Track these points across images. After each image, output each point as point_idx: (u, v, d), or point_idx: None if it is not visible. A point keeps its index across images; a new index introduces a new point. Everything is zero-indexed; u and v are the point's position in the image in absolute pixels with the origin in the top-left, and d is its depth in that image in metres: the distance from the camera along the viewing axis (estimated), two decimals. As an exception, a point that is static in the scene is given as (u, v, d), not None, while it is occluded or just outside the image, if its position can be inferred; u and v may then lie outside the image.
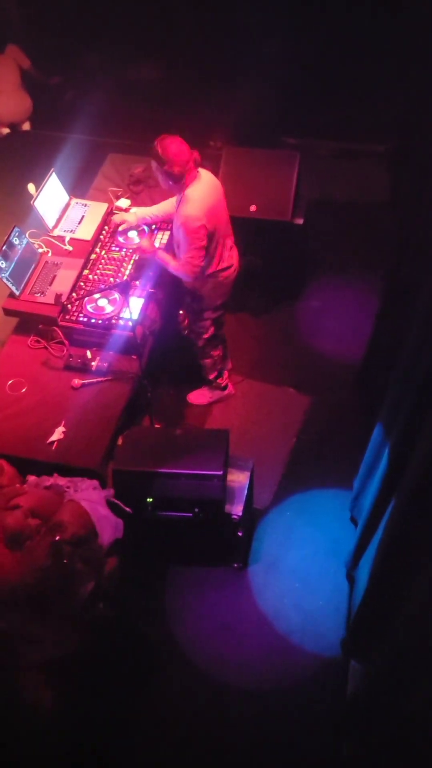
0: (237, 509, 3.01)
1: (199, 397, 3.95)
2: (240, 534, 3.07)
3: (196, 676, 2.96)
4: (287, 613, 3.13)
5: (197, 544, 3.15)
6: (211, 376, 3.82)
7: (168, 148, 2.98)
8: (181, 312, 3.69)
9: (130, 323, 3.18)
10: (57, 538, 2.39)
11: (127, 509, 2.76)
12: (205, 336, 3.59)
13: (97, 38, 5.58)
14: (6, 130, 5.71)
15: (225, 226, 3.26)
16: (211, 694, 2.92)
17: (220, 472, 2.87)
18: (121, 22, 5.38)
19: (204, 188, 3.10)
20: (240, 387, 3.99)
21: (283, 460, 3.66)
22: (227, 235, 3.32)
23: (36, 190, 3.66)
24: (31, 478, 2.75)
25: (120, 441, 3.00)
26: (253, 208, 3.93)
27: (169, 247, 3.47)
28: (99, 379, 3.20)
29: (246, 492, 3.07)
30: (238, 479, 3.10)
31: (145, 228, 3.67)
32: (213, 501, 2.93)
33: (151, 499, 2.94)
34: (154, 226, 3.70)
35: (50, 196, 3.75)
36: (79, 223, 3.80)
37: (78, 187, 4.15)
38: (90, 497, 2.64)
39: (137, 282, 3.40)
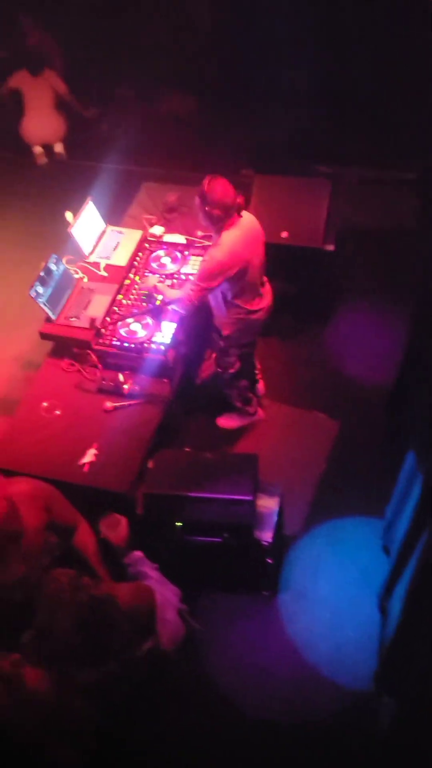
0: (267, 535, 2.97)
1: (228, 421, 3.93)
2: (269, 561, 3.02)
3: (220, 704, 2.89)
4: (317, 644, 3.05)
5: (226, 571, 3.12)
6: (239, 404, 3.81)
7: (214, 189, 3.00)
8: (208, 350, 3.70)
9: (162, 347, 3.20)
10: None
11: (197, 625, 2.60)
12: (231, 371, 3.57)
13: (130, 70, 5.75)
14: (39, 149, 5.84)
15: (259, 269, 3.25)
16: (235, 724, 2.85)
17: (250, 497, 2.84)
18: (153, 54, 5.53)
19: (239, 235, 3.10)
20: (269, 411, 3.96)
21: (313, 485, 3.61)
22: (260, 279, 3.31)
23: (73, 218, 3.73)
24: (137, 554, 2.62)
25: (150, 464, 3.00)
26: (284, 234, 3.95)
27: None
28: (131, 402, 3.22)
29: (276, 518, 3.03)
30: (268, 505, 3.06)
31: (178, 254, 3.71)
32: (242, 526, 2.90)
33: (180, 523, 2.91)
34: (186, 252, 3.73)
35: (87, 224, 3.82)
36: (114, 250, 3.86)
37: (113, 215, 4.22)
38: (167, 597, 2.50)
39: (170, 307, 3.42)
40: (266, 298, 3.40)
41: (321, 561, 3.30)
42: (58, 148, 5.95)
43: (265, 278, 3.37)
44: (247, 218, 3.17)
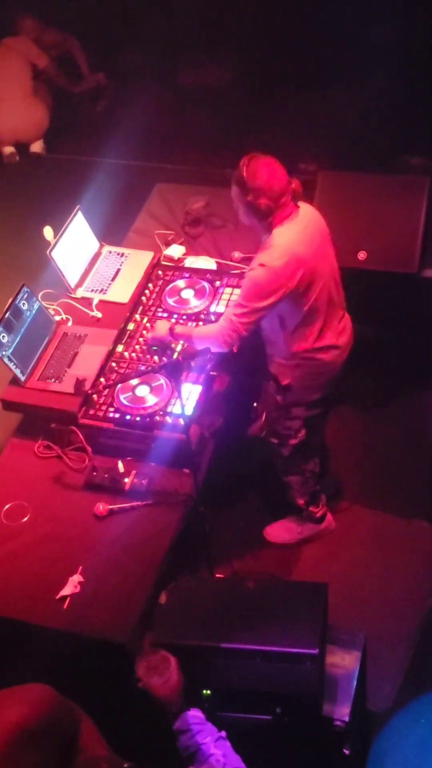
0: (342, 711, 2.90)
1: (281, 532, 3.91)
2: (347, 752, 2.94)
3: None
4: None
5: (280, 764, 3.03)
6: (301, 502, 3.79)
7: (258, 172, 3.10)
8: (256, 405, 3.74)
9: (182, 421, 3.23)
10: None
11: None
12: (293, 442, 3.59)
13: (140, 31, 6.08)
14: (9, 149, 6.07)
15: (329, 286, 3.31)
16: None
17: (315, 651, 2.80)
18: (171, 8, 5.84)
19: (298, 231, 3.19)
20: (344, 518, 3.95)
21: (412, 633, 3.57)
22: (334, 301, 3.36)
23: (54, 236, 3.89)
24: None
25: (163, 598, 2.99)
26: (362, 255, 4.03)
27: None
28: (134, 504, 3.23)
29: (355, 684, 2.96)
30: (343, 663, 3.01)
31: (205, 285, 3.81)
32: (304, 696, 2.84)
33: (207, 692, 2.87)
34: (217, 283, 3.84)
35: (73, 244, 3.96)
36: (112, 280, 3.97)
37: (112, 230, 4.39)
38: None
39: (192, 362, 3.48)
40: (346, 330, 3.46)
41: (428, 751, 3.20)
42: (36, 147, 6.19)
43: (342, 294, 3.43)
44: (307, 210, 3.27)
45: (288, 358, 3.38)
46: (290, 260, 3.13)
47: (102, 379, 3.51)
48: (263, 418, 3.67)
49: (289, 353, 3.37)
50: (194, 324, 3.64)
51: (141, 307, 3.81)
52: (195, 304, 3.76)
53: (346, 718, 2.90)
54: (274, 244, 3.17)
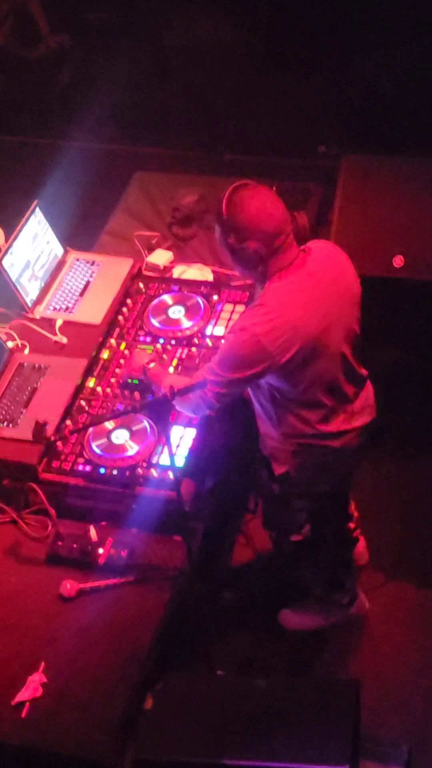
0: None
1: (301, 619, 3.92)
2: None
3: None
4: None
5: None
6: (320, 591, 3.80)
7: (242, 206, 2.98)
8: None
9: (171, 475, 3.25)
10: None
11: None
12: (296, 539, 3.58)
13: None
14: None
15: (341, 356, 3.20)
16: None
17: (346, 767, 2.80)
18: None
19: (303, 287, 3.07)
20: (380, 596, 3.96)
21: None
22: (348, 375, 3.26)
23: (5, 240, 3.94)
24: None
25: (149, 703, 2.98)
26: (398, 261, 4.06)
27: None
28: (111, 582, 3.23)
29: (398, 810, 2.97)
30: (382, 783, 3.02)
31: (199, 301, 3.85)
32: None
33: None
34: (215, 297, 3.88)
35: (30, 249, 4.01)
36: (80, 296, 4.02)
37: (80, 233, 4.43)
38: None
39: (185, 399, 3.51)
40: (366, 410, 3.38)
41: None
42: None
43: (361, 369, 3.35)
44: (321, 254, 3.18)
45: (281, 441, 3.32)
46: (282, 330, 3.01)
47: (68, 422, 3.53)
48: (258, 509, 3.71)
49: (284, 439, 3.31)
50: (183, 350, 3.67)
51: (118, 330, 3.84)
52: (186, 325, 3.80)
53: None
54: (265, 302, 3.05)
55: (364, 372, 3.35)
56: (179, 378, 3.45)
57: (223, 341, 3.31)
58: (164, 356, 3.71)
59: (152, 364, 3.52)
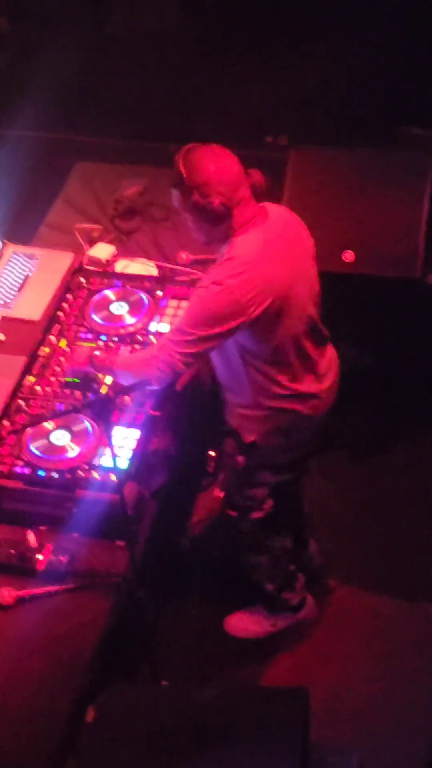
0: None
1: (248, 624, 3.93)
2: None
3: None
4: None
5: None
6: (270, 587, 3.81)
7: (200, 163, 3.08)
8: (211, 453, 3.73)
9: (113, 477, 3.23)
10: None
11: None
12: (256, 516, 3.61)
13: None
14: None
15: (308, 315, 3.30)
16: None
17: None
18: None
19: (269, 240, 3.16)
20: (331, 602, 3.98)
21: (422, 752, 3.56)
22: (315, 334, 3.35)
23: None
24: None
25: (90, 715, 2.96)
26: (348, 256, 4.07)
27: None
28: (50, 589, 3.20)
29: None
30: (332, 794, 3.01)
31: (143, 296, 3.83)
32: None
33: None
34: (159, 293, 3.86)
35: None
36: (18, 291, 3.98)
37: (18, 225, 4.38)
38: None
39: (127, 398, 3.47)
40: (330, 372, 3.46)
41: None
42: None
43: (324, 329, 3.42)
44: (280, 214, 3.29)
45: (253, 407, 3.38)
46: (255, 282, 3.09)
47: (6, 423, 3.48)
48: (217, 486, 3.69)
49: (255, 405, 3.37)
50: (127, 348, 3.65)
51: (58, 326, 3.80)
52: (130, 321, 3.77)
53: None
54: (234, 254, 3.13)
55: (326, 332, 3.44)
56: (131, 356, 3.49)
57: (190, 299, 3.32)
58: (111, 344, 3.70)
59: (98, 352, 3.54)
